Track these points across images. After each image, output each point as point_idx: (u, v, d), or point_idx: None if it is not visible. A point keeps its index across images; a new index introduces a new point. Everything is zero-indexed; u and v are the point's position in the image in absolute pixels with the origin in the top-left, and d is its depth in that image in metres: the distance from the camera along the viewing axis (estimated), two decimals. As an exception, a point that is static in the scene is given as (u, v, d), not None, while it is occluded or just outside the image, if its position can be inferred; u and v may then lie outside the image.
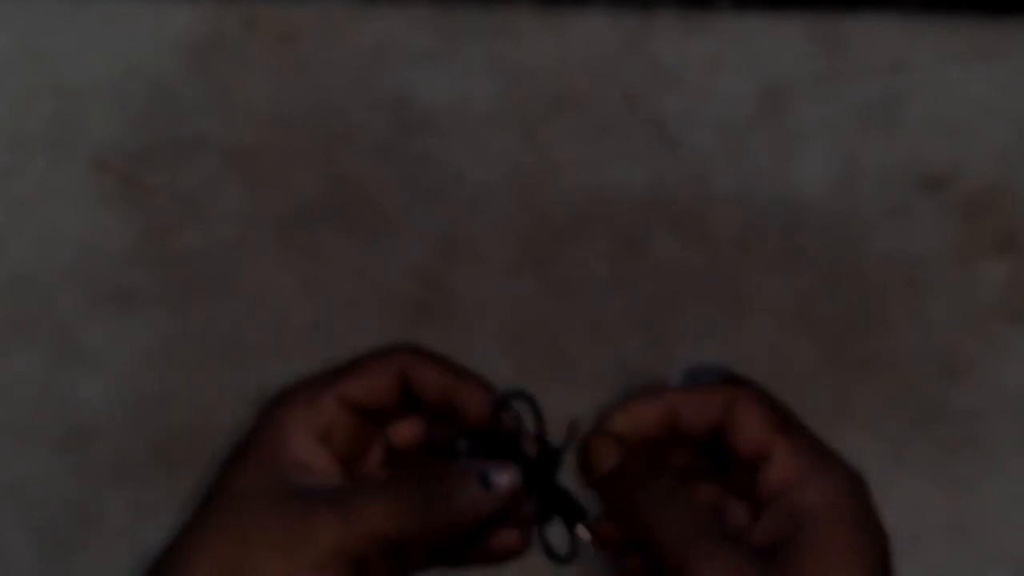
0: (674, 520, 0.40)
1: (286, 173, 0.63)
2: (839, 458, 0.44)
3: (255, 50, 0.65)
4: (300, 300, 0.62)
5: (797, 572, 0.39)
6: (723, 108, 0.63)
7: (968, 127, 0.63)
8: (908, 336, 0.61)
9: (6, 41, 0.65)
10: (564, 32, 0.64)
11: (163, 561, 0.41)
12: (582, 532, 0.42)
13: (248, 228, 0.63)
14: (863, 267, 0.62)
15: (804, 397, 0.60)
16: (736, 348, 0.60)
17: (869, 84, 0.64)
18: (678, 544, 0.40)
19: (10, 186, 0.64)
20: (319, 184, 0.63)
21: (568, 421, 0.44)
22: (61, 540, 0.59)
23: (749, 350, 0.60)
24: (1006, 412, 0.60)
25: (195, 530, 0.41)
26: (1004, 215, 0.62)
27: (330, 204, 0.63)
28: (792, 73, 0.64)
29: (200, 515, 0.42)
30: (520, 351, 0.61)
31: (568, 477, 0.43)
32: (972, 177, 0.63)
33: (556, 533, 0.42)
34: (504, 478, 0.41)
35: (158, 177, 0.63)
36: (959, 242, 0.62)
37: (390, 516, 0.40)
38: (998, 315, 0.61)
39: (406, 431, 0.45)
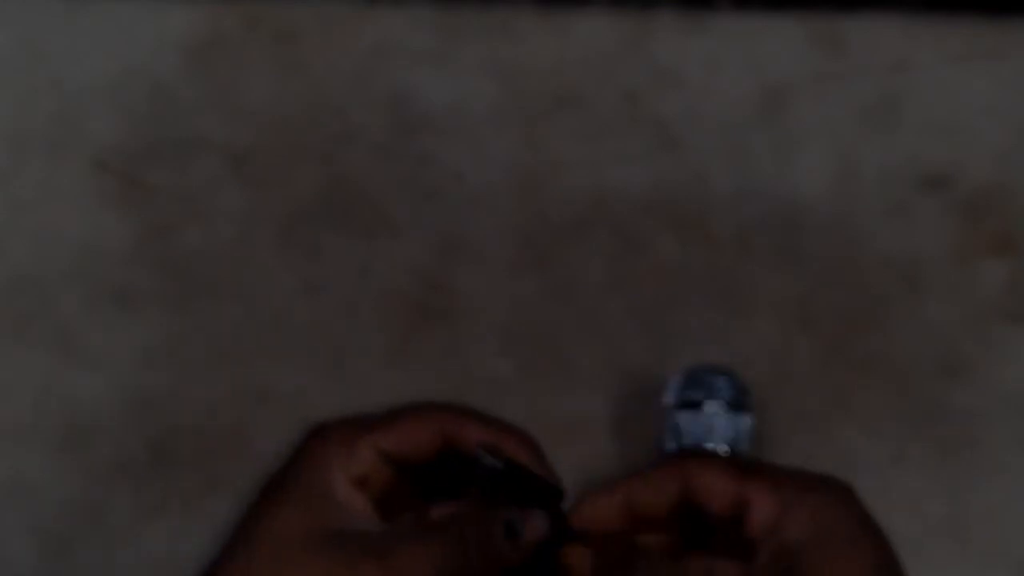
0: None
1: (286, 173, 0.63)
2: (820, 477, 0.43)
3: (255, 50, 0.65)
4: (300, 300, 0.62)
5: None
6: (723, 108, 0.64)
7: (968, 127, 0.63)
8: (908, 336, 0.61)
9: (6, 41, 0.65)
10: (564, 32, 0.64)
11: None
12: None
13: (248, 228, 0.63)
14: (863, 267, 0.62)
15: (804, 397, 0.60)
16: (736, 348, 0.60)
17: (869, 84, 0.64)
18: None
19: (10, 186, 0.64)
20: (319, 184, 0.63)
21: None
22: (61, 540, 0.59)
23: (749, 350, 0.60)
24: (1006, 412, 0.60)
25: (229, 571, 0.41)
26: (1004, 215, 0.62)
27: (330, 204, 0.63)
28: (792, 73, 0.64)
29: (233, 555, 0.41)
30: (520, 351, 0.61)
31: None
32: (972, 177, 0.63)
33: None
34: (529, 528, 0.42)
35: (158, 177, 0.63)
36: (959, 242, 0.62)
37: (429, 564, 0.40)
38: (998, 315, 0.61)
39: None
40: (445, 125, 0.63)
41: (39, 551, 0.59)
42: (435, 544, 0.41)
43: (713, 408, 0.54)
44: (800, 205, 0.62)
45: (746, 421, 0.54)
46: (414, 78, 0.64)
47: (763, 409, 0.58)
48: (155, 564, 0.59)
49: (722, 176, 0.63)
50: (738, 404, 0.54)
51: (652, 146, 0.63)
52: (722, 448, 0.53)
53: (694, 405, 0.54)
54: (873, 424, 0.60)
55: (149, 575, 0.59)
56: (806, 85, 0.64)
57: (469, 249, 0.62)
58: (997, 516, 0.59)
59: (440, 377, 0.61)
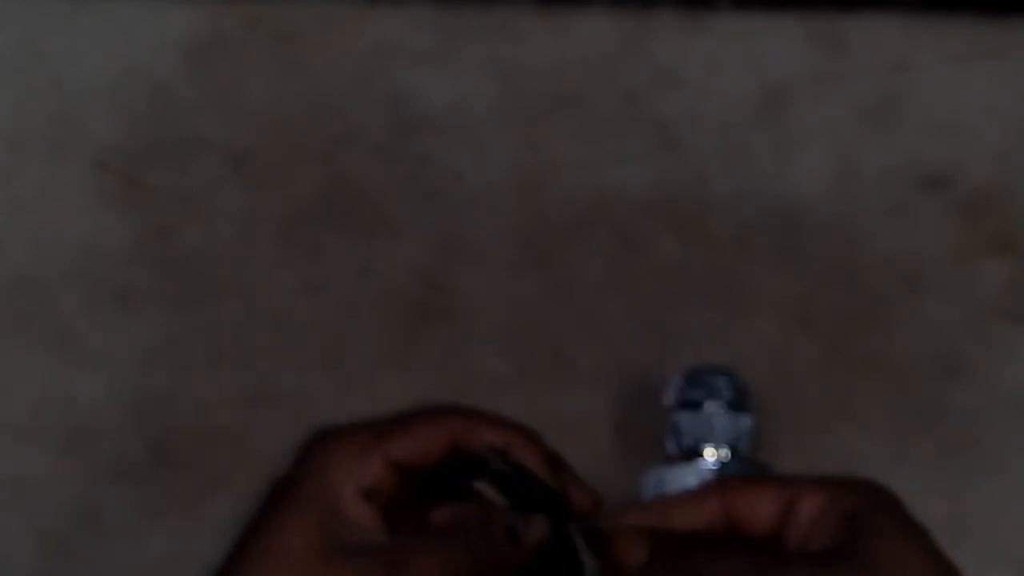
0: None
1: (286, 173, 0.63)
2: (860, 478, 0.44)
3: (255, 50, 0.65)
4: (300, 300, 0.62)
5: (869, 560, 0.39)
6: (723, 108, 0.64)
7: (968, 127, 0.63)
8: (908, 336, 0.61)
9: (6, 41, 0.65)
10: (564, 32, 0.64)
11: None
12: None
13: (248, 228, 0.63)
14: (863, 267, 0.62)
15: (804, 397, 0.60)
16: (736, 348, 0.60)
17: (869, 84, 0.64)
18: None
19: (10, 186, 0.64)
20: (319, 184, 0.63)
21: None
22: (61, 540, 0.59)
23: (749, 350, 0.60)
24: (1006, 412, 0.60)
25: None
26: (1004, 215, 0.62)
27: (330, 204, 0.63)
28: (792, 73, 0.64)
29: (240, 567, 0.41)
30: (520, 351, 0.61)
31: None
32: (972, 177, 0.63)
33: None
34: (529, 533, 0.42)
35: (158, 177, 0.63)
36: (959, 242, 0.62)
37: (442, 573, 0.40)
38: (998, 315, 0.61)
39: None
40: (445, 125, 0.63)
41: (39, 551, 0.59)
42: (440, 553, 0.41)
43: (713, 408, 0.54)
44: (800, 205, 0.62)
45: (746, 421, 0.54)
46: (414, 78, 0.64)
47: (763, 409, 0.58)
48: (155, 564, 0.59)
49: (722, 176, 0.63)
50: (738, 404, 0.54)
51: (652, 146, 0.63)
52: (722, 449, 0.54)
53: (694, 405, 0.54)
54: (873, 424, 0.60)
55: (149, 575, 0.59)
56: (806, 85, 0.64)
57: (469, 249, 0.62)
58: (997, 516, 0.59)
59: (440, 377, 0.61)
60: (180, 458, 0.60)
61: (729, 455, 0.53)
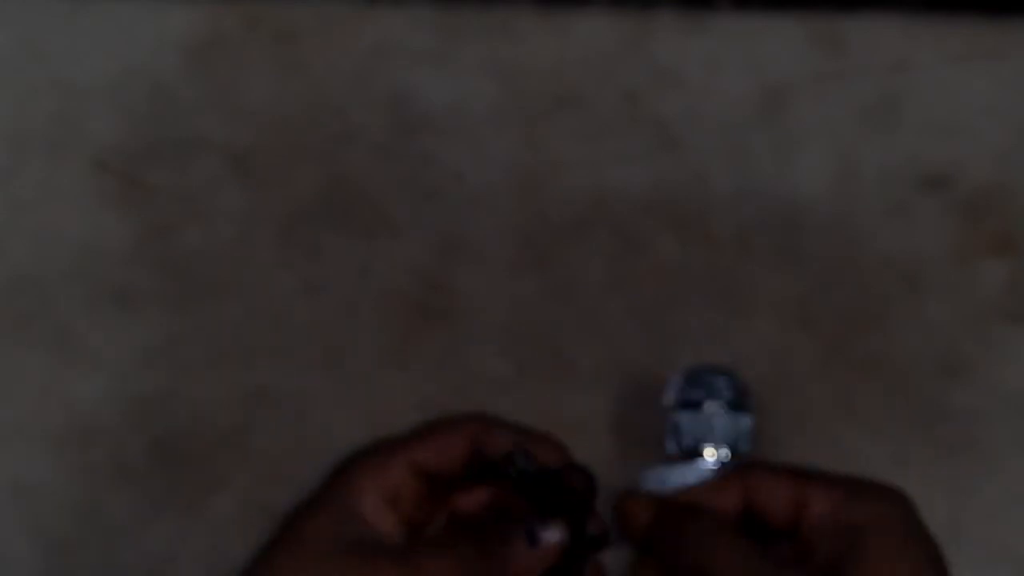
0: (726, 556, 0.41)
1: (286, 173, 0.63)
2: (876, 481, 0.45)
3: (255, 50, 0.65)
4: (300, 300, 0.62)
5: None
6: (723, 108, 0.64)
7: (968, 127, 0.63)
8: (908, 336, 0.61)
9: (6, 41, 0.65)
10: (564, 32, 0.64)
11: None
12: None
13: (248, 228, 0.63)
14: (863, 267, 0.62)
15: (804, 397, 0.60)
16: (736, 348, 0.60)
17: (869, 84, 0.64)
18: None
19: (10, 186, 0.64)
20: (319, 184, 0.63)
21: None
22: (61, 540, 0.59)
23: (749, 350, 0.60)
24: (1006, 412, 0.60)
25: (258, 572, 0.42)
26: (1004, 215, 0.62)
27: (330, 204, 0.63)
28: (792, 73, 0.64)
29: (264, 558, 0.42)
30: (520, 351, 0.61)
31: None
32: (972, 177, 0.63)
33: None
34: (549, 535, 0.43)
35: (158, 177, 0.63)
36: (959, 242, 0.62)
37: (451, 573, 0.41)
38: (998, 315, 0.61)
39: (471, 500, 0.46)
40: (445, 125, 0.63)
41: (39, 551, 0.59)
42: (458, 554, 0.41)
43: (713, 408, 0.54)
44: (800, 205, 0.62)
45: (746, 421, 0.54)
46: (414, 78, 0.64)
47: (763, 409, 0.58)
48: (155, 564, 0.59)
49: (722, 176, 0.63)
50: (738, 404, 0.54)
51: (652, 146, 0.63)
52: (722, 449, 0.54)
53: (694, 405, 0.54)
54: (873, 424, 0.60)
55: (149, 575, 0.59)
56: (806, 85, 0.64)
57: (469, 249, 0.62)
58: (997, 516, 0.59)
59: (440, 377, 0.61)
60: (180, 458, 0.60)
61: (729, 455, 0.53)
